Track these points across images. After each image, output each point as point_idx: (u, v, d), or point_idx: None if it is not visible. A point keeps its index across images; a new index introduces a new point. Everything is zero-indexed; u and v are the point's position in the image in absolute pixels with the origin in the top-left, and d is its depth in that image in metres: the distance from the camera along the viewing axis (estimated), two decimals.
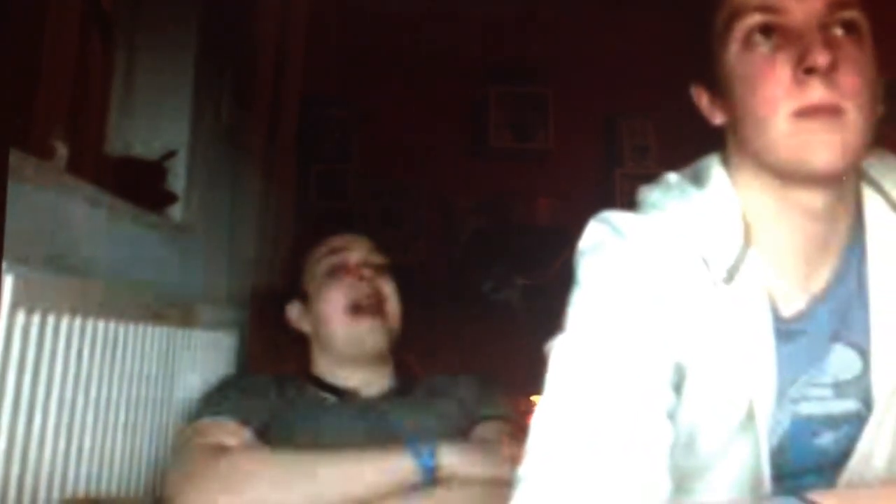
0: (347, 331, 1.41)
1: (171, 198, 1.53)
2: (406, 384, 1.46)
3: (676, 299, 0.81)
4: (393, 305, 1.44)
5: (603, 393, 0.75)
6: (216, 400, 1.37)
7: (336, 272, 1.44)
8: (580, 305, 0.82)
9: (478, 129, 3.32)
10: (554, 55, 3.20)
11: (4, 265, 0.96)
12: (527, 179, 3.25)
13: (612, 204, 3.18)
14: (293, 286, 1.49)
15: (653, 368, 0.78)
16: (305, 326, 1.48)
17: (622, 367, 0.77)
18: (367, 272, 1.44)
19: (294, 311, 1.48)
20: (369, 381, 1.43)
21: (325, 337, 1.43)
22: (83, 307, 1.12)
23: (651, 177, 3.36)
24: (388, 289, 1.45)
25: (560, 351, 0.80)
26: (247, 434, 1.31)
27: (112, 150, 1.46)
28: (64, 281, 1.10)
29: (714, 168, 0.88)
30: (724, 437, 0.83)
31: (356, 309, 1.40)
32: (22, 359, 1.01)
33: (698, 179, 0.88)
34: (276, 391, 1.40)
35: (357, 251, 1.46)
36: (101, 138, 1.37)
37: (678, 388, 0.80)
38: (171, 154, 1.52)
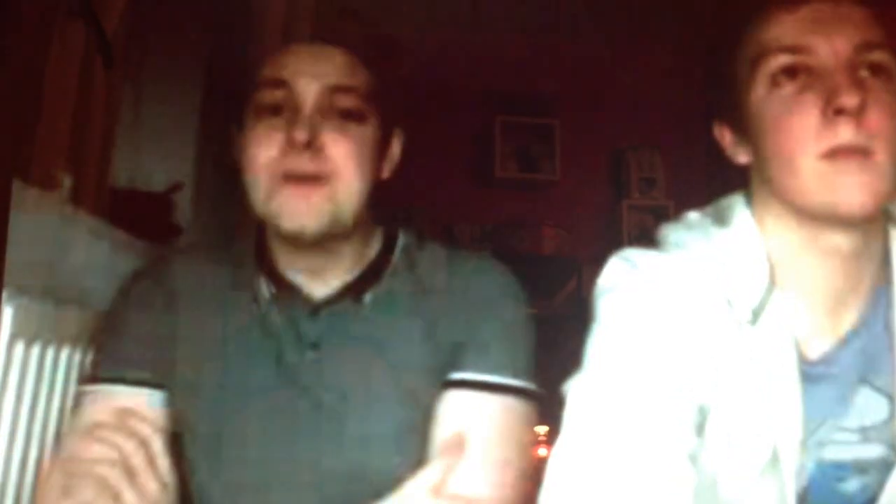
0: (276, 201, 0.90)
1: (176, 230, 1.53)
2: (375, 275, 0.98)
3: (700, 340, 0.80)
4: (348, 177, 0.91)
5: (624, 435, 0.75)
6: (110, 343, 0.98)
7: (269, 113, 0.92)
8: (600, 345, 0.81)
9: (483, 159, 3.33)
10: (561, 86, 3.22)
11: (4, 296, 0.96)
12: (532, 209, 3.25)
13: (618, 235, 3.20)
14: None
15: (675, 410, 0.77)
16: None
17: (644, 409, 0.76)
18: (317, 123, 0.90)
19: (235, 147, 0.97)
20: (317, 272, 0.97)
21: (253, 202, 0.94)
22: (83, 339, 1.11)
23: (658, 208, 3.38)
24: (344, 151, 0.91)
25: (579, 392, 0.79)
26: (149, 405, 0.94)
27: (118, 182, 1.46)
28: (64, 312, 1.09)
29: (738, 207, 0.86)
30: (747, 482, 0.81)
31: (289, 179, 0.90)
32: (20, 390, 1.01)
33: (721, 219, 0.87)
34: (204, 288, 0.99)
35: (313, 82, 0.92)
36: (107, 170, 1.37)
37: (700, 429, 0.79)
38: (177, 186, 1.52)
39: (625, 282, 0.83)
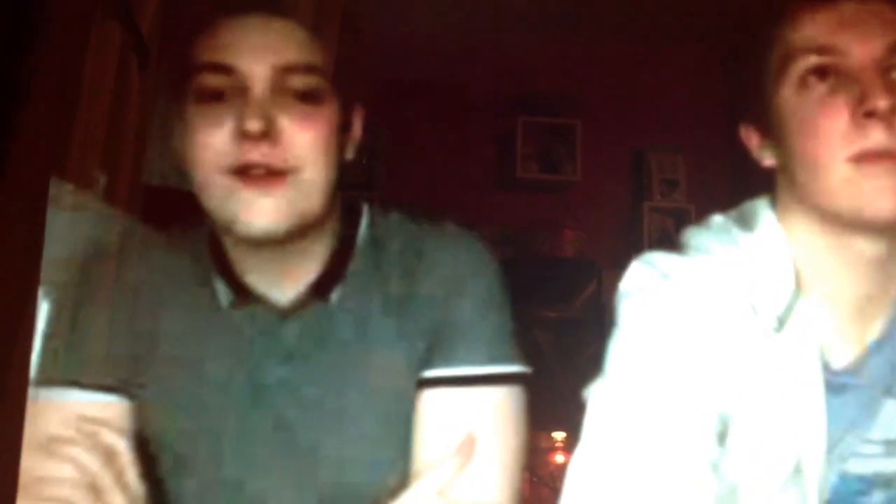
0: (231, 202, 0.79)
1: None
2: (340, 269, 0.87)
3: (723, 347, 0.78)
4: (313, 168, 0.80)
5: (645, 442, 0.74)
6: (66, 341, 0.87)
7: (212, 100, 0.79)
8: (622, 350, 0.80)
9: (505, 160, 3.34)
10: (583, 87, 3.22)
11: (41, 293, 0.98)
12: (553, 211, 3.25)
13: (639, 237, 3.19)
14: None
15: (697, 419, 0.76)
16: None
17: (665, 416, 0.75)
18: (271, 109, 0.78)
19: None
20: (279, 274, 0.86)
21: (203, 203, 0.82)
22: None
23: (679, 211, 3.37)
24: (306, 139, 0.80)
25: (600, 398, 0.78)
26: (113, 410, 0.84)
27: (151, 180, 1.48)
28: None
29: (763, 211, 0.85)
30: (769, 492, 0.80)
31: (243, 174, 0.78)
32: None
33: (746, 222, 0.85)
34: (165, 284, 0.89)
35: (262, 62, 0.79)
36: (141, 168, 1.40)
37: (723, 438, 0.78)
38: None
39: (647, 286, 0.82)
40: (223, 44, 0.80)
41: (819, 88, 0.77)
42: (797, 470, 0.79)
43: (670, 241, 0.89)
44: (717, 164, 2.91)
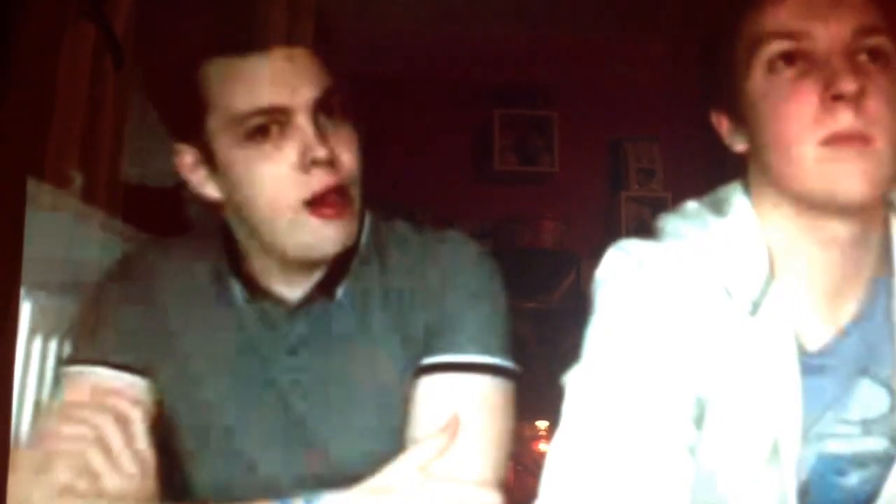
0: (301, 232, 0.87)
1: (185, 225, 1.54)
2: (344, 267, 0.94)
3: (698, 331, 0.79)
4: (357, 188, 0.90)
5: (622, 428, 0.74)
6: (92, 329, 0.96)
7: (260, 137, 0.86)
8: (598, 336, 0.80)
9: (482, 153, 3.34)
10: (559, 78, 3.23)
11: (22, 292, 0.98)
12: (532, 203, 3.26)
13: (616, 227, 3.21)
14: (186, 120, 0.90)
15: (674, 403, 0.76)
16: (211, 192, 0.92)
17: (642, 401, 0.75)
18: (324, 135, 0.86)
19: (187, 159, 0.93)
20: (293, 276, 0.94)
21: (258, 232, 0.89)
22: None
23: (657, 199, 3.38)
24: (354, 161, 0.88)
25: (577, 384, 0.78)
26: (131, 389, 0.91)
27: (128, 178, 1.48)
28: (79, 307, 1.11)
29: (736, 196, 0.85)
30: (747, 475, 0.81)
31: (314, 205, 0.86)
32: (39, 383, 1.03)
33: (719, 208, 0.86)
34: (182, 283, 0.97)
35: (302, 91, 0.86)
36: (118, 167, 1.40)
37: (699, 423, 0.79)
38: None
39: (622, 272, 0.82)
40: (266, 93, 0.85)
41: (787, 73, 0.77)
42: (774, 452, 0.79)
43: (648, 230, 0.90)
44: (694, 152, 2.93)
